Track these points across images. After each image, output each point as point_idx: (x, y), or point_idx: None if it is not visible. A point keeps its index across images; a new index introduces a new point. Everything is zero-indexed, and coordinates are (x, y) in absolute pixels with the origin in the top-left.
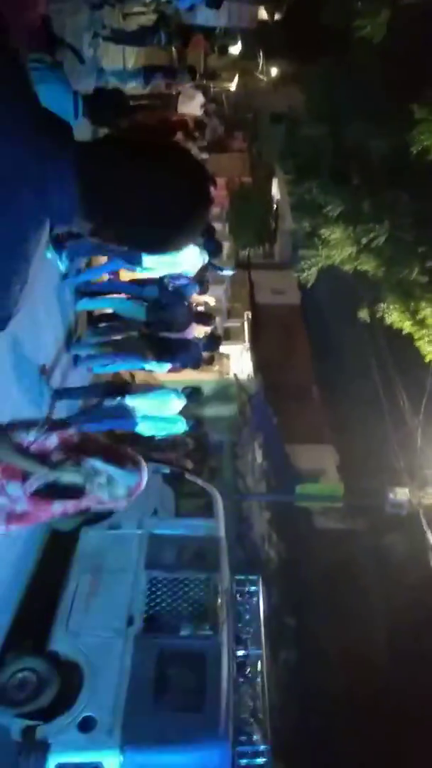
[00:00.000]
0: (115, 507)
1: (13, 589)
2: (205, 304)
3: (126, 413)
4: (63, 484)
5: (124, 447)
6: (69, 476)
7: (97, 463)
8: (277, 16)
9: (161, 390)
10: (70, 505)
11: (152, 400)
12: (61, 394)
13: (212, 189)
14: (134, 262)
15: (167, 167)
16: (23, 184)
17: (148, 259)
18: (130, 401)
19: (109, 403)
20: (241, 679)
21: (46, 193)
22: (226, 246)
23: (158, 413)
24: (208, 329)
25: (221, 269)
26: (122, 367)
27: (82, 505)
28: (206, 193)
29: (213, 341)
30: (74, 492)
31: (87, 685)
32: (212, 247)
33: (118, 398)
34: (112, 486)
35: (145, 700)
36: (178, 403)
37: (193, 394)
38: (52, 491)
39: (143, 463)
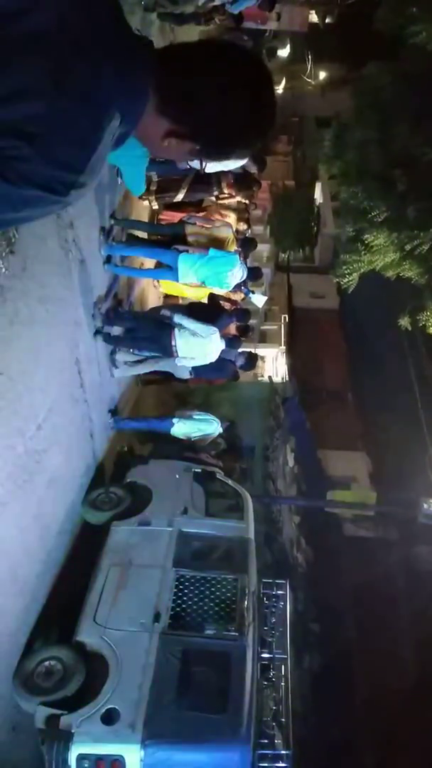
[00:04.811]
0: None
1: (44, 580)
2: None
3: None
4: None
5: None
6: None
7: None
8: (328, 20)
9: (204, 416)
10: None
11: (194, 423)
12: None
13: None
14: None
15: (238, 59)
16: (107, 63)
17: (185, 275)
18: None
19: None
20: (265, 683)
21: (127, 84)
22: (266, 248)
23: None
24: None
25: (252, 293)
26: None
27: None
28: (272, 86)
29: (250, 360)
30: None
31: (112, 677)
32: (252, 272)
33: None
34: None
35: (169, 697)
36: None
37: (230, 426)
38: None
39: None
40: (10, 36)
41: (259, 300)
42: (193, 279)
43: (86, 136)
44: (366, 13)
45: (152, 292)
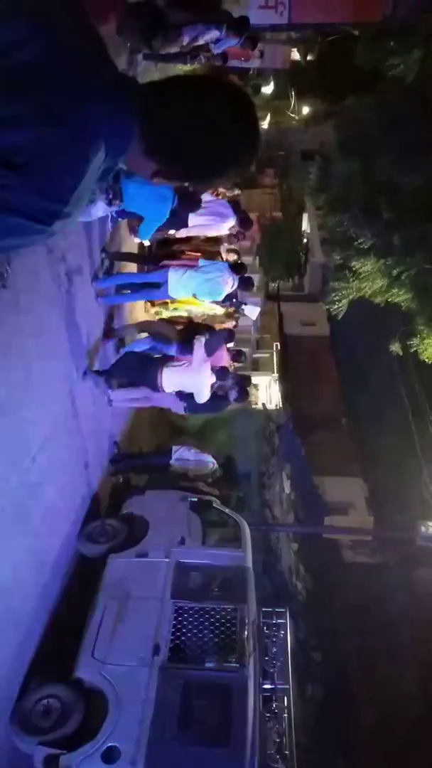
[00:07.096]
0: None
1: (40, 615)
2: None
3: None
4: None
5: None
6: None
7: None
8: (309, 57)
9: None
10: None
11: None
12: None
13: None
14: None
15: (217, 94)
16: (94, 97)
17: (175, 288)
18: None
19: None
20: (267, 715)
21: (112, 118)
22: (256, 278)
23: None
24: (235, 364)
25: (245, 303)
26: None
27: None
28: (254, 115)
29: (243, 392)
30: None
31: (111, 714)
32: (243, 281)
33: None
34: None
35: (170, 732)
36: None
37: (227, 462)
38: None
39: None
40: (3, 67)
41: (252, 311)
42: (184, 292)
43: (72, 168)
44: (346, 49)
45: (143, 315)
